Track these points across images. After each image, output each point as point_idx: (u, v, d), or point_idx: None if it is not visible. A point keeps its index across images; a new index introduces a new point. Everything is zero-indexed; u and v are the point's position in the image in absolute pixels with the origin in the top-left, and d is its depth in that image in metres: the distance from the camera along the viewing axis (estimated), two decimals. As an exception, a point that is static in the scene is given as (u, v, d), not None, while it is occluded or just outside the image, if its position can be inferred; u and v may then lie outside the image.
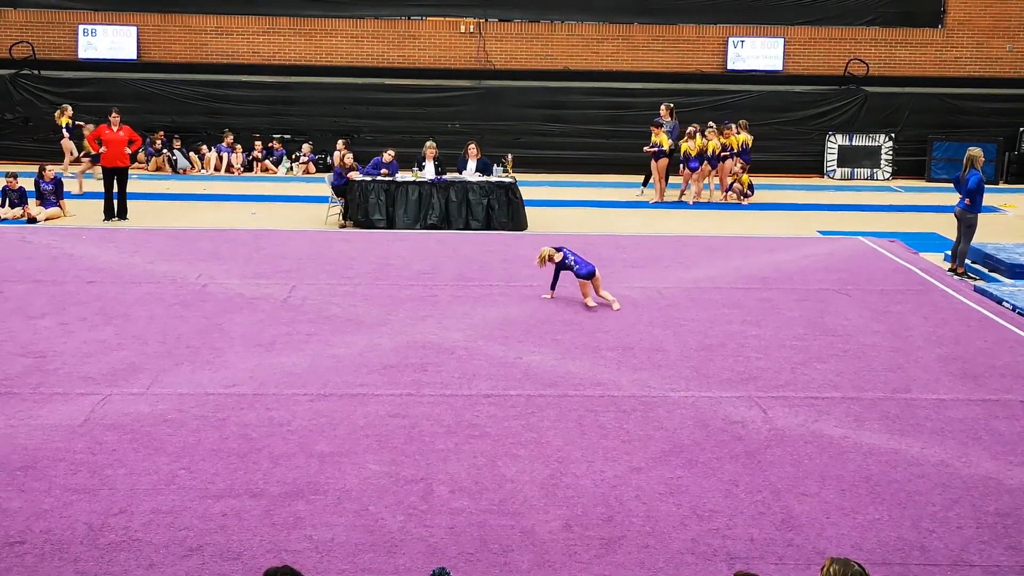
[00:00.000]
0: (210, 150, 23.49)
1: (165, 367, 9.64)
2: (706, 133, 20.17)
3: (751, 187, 20.65)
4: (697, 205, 20.02)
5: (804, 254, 15.26)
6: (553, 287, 12.37)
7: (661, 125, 20.40)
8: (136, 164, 21.92)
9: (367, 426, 8.28)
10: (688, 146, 20.15)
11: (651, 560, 6.28)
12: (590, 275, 11.94)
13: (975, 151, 14.29)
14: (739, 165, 20.52)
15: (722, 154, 20.62)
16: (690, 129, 20.36)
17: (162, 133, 23.36)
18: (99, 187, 17.65)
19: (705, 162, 20.20)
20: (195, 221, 17.26)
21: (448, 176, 17.45)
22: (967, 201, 14.09)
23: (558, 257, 12.09)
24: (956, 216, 14.37)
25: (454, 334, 10.84)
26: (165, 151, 23.29)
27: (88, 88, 23.94)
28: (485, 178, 17.36)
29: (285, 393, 9.01)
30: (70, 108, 21.68)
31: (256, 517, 6.71)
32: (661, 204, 20.02)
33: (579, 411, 8.70)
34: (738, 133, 20.61)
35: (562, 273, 12.23)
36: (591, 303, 11.97)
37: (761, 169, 21.91)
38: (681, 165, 20.45)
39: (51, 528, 6.51)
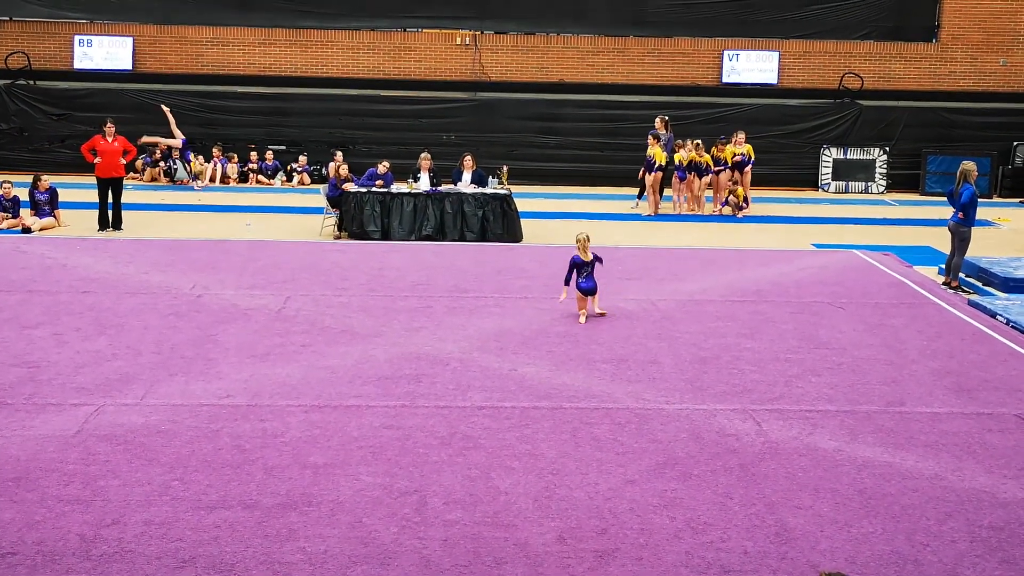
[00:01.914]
0: (208, 162, 23.50)
1: (159, 378, 9.62)
2: (687, 145, 20.41)
3: (746, 199, 20.69)
4: (686, 217, 20.09)
5: (798, 267, 15.28)
6: (567, 282, 11.97)
7: (659, 138, 20.47)
8: (132, 175, 21.96)
9: (361, 437, 8.27)
10: (680, 156, 20.25)
11: (645, 573, 6.27)
12: (586, 292, 11.92)
13: (968, 165, 14.31)
14: (728, 176, 20.66)
15: (716, 168, 20.74)
16: (678, 141, 20.52)
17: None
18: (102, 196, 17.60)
19: (690, 173, 20.39)
20: (190, 232, 17.25)
21: (443, 188, 17.46)
22: (960, 215, 14.13)
23: (578, 247, 11.90)
24: (950, 230, 14.40)
25: (448, 346, 10.84)
26: (162, 162, 23.30)
27: (83, 99, 23.96)
28: (480, 190, 17.37)
29: (279, 404, 8.99)
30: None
31: (249, 529, 6.69)
32: (655, 216, 20.06)
33: (573, 423, 8.69)
34: (736, 145, 20.68)
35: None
36: (582, 319, 11.95)
37: (756, 182, 21.96)
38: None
39: (43, 539, 6.49)
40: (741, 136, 20.76)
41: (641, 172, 20.53)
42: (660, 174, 20.22)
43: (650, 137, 20.44)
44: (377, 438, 8.26)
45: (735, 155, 20.54)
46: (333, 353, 10.48)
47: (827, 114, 24.85)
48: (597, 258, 11.93)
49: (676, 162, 20.30)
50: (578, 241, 11.93)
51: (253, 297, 12.72)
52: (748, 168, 20.63)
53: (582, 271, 11.89)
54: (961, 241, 14.18)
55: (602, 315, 12.06)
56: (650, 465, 7.87)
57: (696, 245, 17.13)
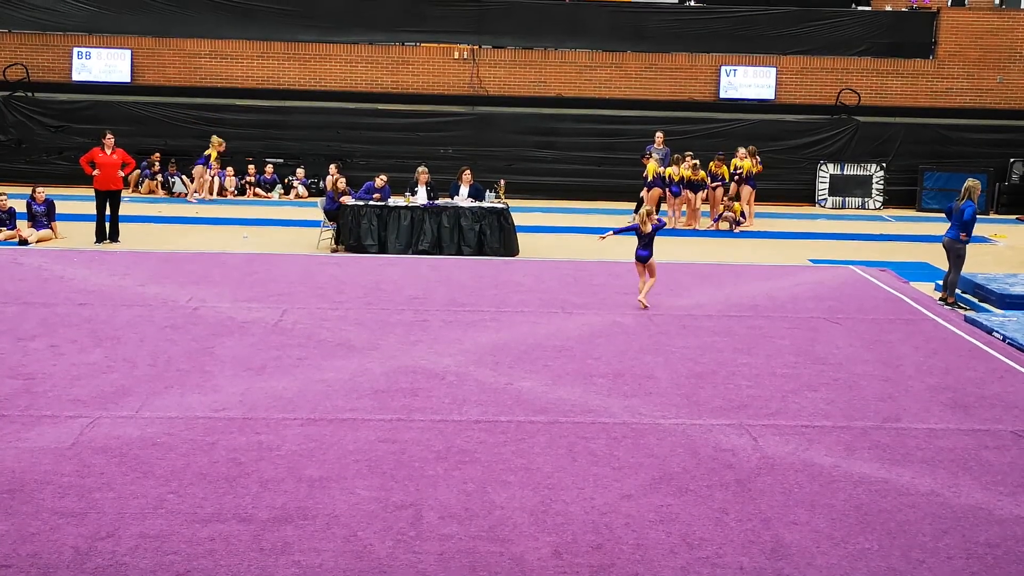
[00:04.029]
0: (212, 175, 23.51)
1: (155, 390, 9.60)
2: (685, 160, 20.51)
3: (743, 214, 20.73)
4: (683, 232, 20.11)
5: (795, 282, 15.29)
6: (616, 231, 13.94)
7: (650, 156, 20.51)
8: (133, 188, 22.00)
9: (357, 451, 8.26)
10: (671, 171, 20.29)
11: (641, 588, 6.26)
12: (640, 259, 13.26)
13: (973, 183, 14.35)
14: (722, 192, 20.76)
15: (713, 184, 20.79)
16: (675, 156, 20.57)
17: (159, 155, 23.43)
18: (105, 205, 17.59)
19: (685, 189, 20.45)
20: (187, 244, 17.25)
21: (440, 201, 17.48)
22: (963, 236, 14.12)
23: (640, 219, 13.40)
24: (944, 246, 14.43)
25: (445, 359, 10.83)
26: (159, 175, 23.33)
27: (81, 111, 23.98)
28: (477, 204, 17.38)
29: (275, 417, 8.98)
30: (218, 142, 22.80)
31: (244, 542, 6.67)
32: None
33: (570, 438, 8.68)
34: (754, 161, 20.76)
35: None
36: (642, 300, 13.21)
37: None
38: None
39: (38, 552, 6.47)
40: (750, 149, 20.94)
41: (643, 191, 20.61)
42: (659, 190, 20.26)
43: (643, 158, 20.50)
44: (373, 452, 8.25)
45: (747, 170, 20.65)
46: (329, 366, 10.47)
47: (824, 130, 24.92)
48: (657, 227, 13.38)
49: (667, 176, 20.30)
50: (640, 216, 13.50)
51: (250, 310, 12.71)
52: (725, 185, 20.83)
53: (640, 240, 13.25)
54: (957, 257, 14.20)
55: (644, 308, 13.10)
56: (646, 480, 7.86)
57: (693, 260, 17.14)
